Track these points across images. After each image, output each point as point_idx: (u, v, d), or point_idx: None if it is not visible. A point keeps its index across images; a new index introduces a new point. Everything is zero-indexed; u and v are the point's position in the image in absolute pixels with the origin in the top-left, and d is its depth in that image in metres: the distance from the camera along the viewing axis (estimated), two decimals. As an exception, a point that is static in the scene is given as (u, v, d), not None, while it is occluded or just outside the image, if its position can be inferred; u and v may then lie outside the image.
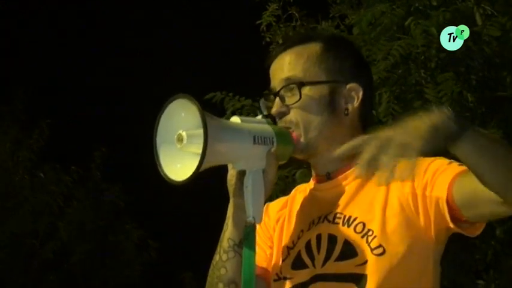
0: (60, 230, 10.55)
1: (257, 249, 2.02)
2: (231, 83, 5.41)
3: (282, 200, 2.17)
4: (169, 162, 1.91)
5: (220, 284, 2.00)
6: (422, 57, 4.92)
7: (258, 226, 2.01)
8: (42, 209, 10.45)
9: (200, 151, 1.83)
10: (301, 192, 2.12)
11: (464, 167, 1.87)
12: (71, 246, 10.70)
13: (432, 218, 1.92)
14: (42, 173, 10.58)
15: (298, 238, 2.04)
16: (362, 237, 1.94)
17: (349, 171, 2.04)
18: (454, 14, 4.89)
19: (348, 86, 2.05)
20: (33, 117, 10.70)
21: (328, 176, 2.06)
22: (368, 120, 2.11)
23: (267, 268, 2.07)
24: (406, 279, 1.94)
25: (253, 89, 5.50)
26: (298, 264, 2.01)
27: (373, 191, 1.98)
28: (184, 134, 1.89)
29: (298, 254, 2.02)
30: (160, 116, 1.93)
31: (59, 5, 13.00)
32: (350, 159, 1.97)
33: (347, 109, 2.05)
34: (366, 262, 1.93)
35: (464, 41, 4.74)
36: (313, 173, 2.12)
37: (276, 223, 2.12)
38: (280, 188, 4.78)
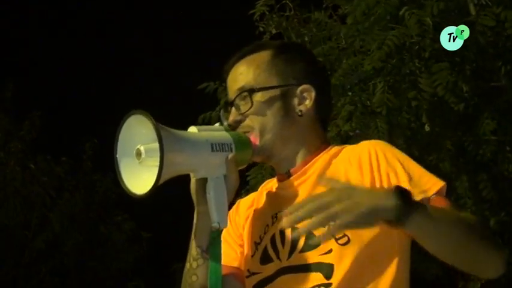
0: (52, 221, 10.51)
1: (227, 249, 2.11)
2: (224, 73, 5.38)
3: (250, 196, 2.24)
4: (131, 176, 1.97)
5: None
6: (417, 47, 4.92)
7: (228, 225, 2.06)
8: (33, 200, 10.42)
9: (155, 164, 1.88)
10: (267, 189, 2.19)
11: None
12: (62, 237, 10.66)
13: None
14: (33, 164, 10.53)
15: (265, 233, 2.09)
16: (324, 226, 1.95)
17: (307, 166, 2.10)
18: (447, 4, 4.88)
19: (300, 88, 2.12)
20: (24, 109, 10.65)
21: (289, 174, 2.12)
22: (326, 118, 2.19)
23: (238, 267, 2.12)
24: (373, 267, 1.96)
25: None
26: (265, 258, 2.06)
27: (332, 178, 1.98)
28: (142, 148, 1.94)
29: (265, 249, 2.07)
30: (118, 132, 1.99)
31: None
32: (307, 156, 2.11)
33: (301, 110, 2.11)
34: (330, 251, 1.96)
35: (459, 31, 4.74)
36: (276, 171, 2.17)
37: (245, 221, 2.17)
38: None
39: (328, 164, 2.09)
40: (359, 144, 2.13)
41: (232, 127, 2.10)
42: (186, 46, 12.21)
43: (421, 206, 1.81)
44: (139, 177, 1.95)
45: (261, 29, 5.70)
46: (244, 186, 5.13)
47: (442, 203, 1.94)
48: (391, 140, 4.95)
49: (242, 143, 2.07)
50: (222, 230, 2.03)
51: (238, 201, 2.22)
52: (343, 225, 1.77)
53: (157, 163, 1.88)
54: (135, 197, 1.95)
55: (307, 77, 2.14)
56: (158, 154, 1.87)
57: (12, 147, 10.50)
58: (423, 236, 1.86)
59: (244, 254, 2.13)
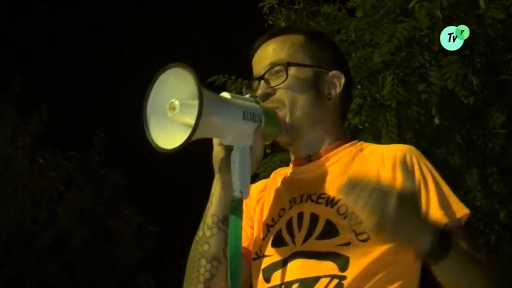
0: (60, 216, 10.52)
1: None
2: (233, 66, 5.39)
3: (262, 182, 2.20)
4: (159, 131, 1.91)
5: (203, 260, 2.00)
6: (427, 40, 4.90)
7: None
8: (41, 194, 10.43)
9: (192, 121, 1.83)
10: (281, 175, 2.15)
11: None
12: (70, 232, 10.68)
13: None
14: (41, 158, 10.55)
15: (279, 216, 2.06)
16: (344, 218, 1.95)
17: (331, 153, 2.08)
18: (458, -3, 4.88)
19: (331, 73, 2.12)
20: (33, 103, 10.67)
21: (309, 159, 2.10)
22: (347, 110, 2.21)
23: (248, 248, 2.07)
24: (386, 273, 1.94)
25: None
26: (278, 241, 2.03)
27: (359, 174, 1.99)
28: (177, 102, 1.88)
29: (279, 232, 2.03)
30: (153, 83, 1.93)
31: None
32: (330, 144, 2.09)
33: (330, 94, 2.10)
34: (348, 244, 1.94)
35: (468, 24, 4.73)
36: (292, 157, 2.15)
37: (257, 203, 2.14)
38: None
39: (353, 157, 2.08)
40: (393, 146, 2.13)
41: (261, 100, 2.06)
42: (195, 40, 12.21)
43: (453, 252, 1.84)
44: (168, 133, 1.90)
45: (270, 22, 5.70)
46: (254, 179, 5.12)
47: (463, 235, 1.95)
48: (400, 133, 4.95)
49: (271, 117, 2.03)
50: (243, 200, 1.98)
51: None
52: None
53: (191, 120, 1.83)
54: (162, 151, 1.89)
55: (336, 64, 2.14)
56: (193, 111, 1.82)
57: (20, 142, 10.52)
58: (443, 276, 1.89)
59: (254, 236, 2.09)
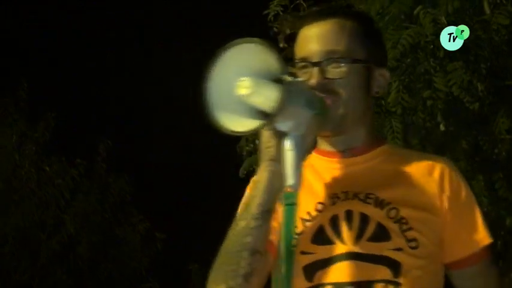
0: (67, 223, 10.54)
1: None
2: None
3: None
4: (223, 110, 1.76)
5: (245, 253, 1.83)
6: (432, 46, 4.89)
7: None
8: (48, 201, 10.45)
9: (263, 104, 1.72)
10: (306, 166, 1.96)
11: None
12: (77, 238, 10.69)
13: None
14: (48, 166, 10.57)
15: (318, 211, 1.96)
16: (395, 222, 1.92)
17: (370, 152, 2.03)
18: (462, 3, 4.87)
19: (380, 71, 2.05)
20: (38, 110, 10.69)
21: (346, 153, 2.02)
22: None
23: (272, 241, 1.94)
24: (431, 278, 1.96)
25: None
26: (320, 238, 1.94)
27: (407, 179, 1.98)
28: (249, 82, 1.75)
29: (321, 229, 1.94)
30: (222, 55, 1.79)
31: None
32: (369, 141, 2.03)
33: (377, 92, 2.05)
34: (399, 249, 1.90)
35: (473, 29, 4.72)
36: (324, 148, 2.06)
37: None
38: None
39: (394, 159, 2.05)
40: (437, 158, 2.09)
41: (314, 88, 1.96)
42: (199, 47, 12.22)
43: (479, 264, 2.00)
44: (233, 112, 1.75)
45: (275, 29, 5.70)
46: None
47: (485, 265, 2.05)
48: (406, 140, 4.95)
49: (324, 107, 1.92)
50: (297, 192, 1.83)
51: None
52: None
53: (261, 101, 1.71)
54: (232, 133, 1.75)
55: (384, 62, 2.09)
56: (266, 93, 1.71)
57: (27, 149, 10.54)
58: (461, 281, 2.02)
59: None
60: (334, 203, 1.95)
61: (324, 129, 1.98)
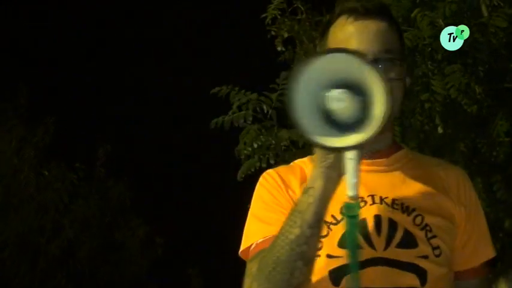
0: (66, 228, 10.54)
1: (281, 217, 1.85)
2: (236, 77, 5.40)
3: (291, 167, 2.03)
4: (312, 124, 1.67)
5: (299, 262, 1.75)
6: (429, 49, 4.90)
7: (281, 196, 1.92)
8: (47, 206, 10.45)
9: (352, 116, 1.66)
10: None
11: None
12: (77, 243, 10.70)
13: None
14: (47, 170, 10.58)
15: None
16: (421, 229, 1.92)
17: (393, 156, 2.02)
18: (460, 6, 4.87)
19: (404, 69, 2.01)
20: (38, 115, 10.71)
21: (370, 155, 1.97)
22: None
23: None
24: (451, 286, 1.98)
25: (259, 83, 5.49)
26: None
27: (429, 186, 1.98)
28: (344, 94, 1.66)
29: None
30: (308, 64, 1.67)
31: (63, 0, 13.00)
32: (391, 144, 2.02)
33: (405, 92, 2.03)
34: (426, 257, 1.90)
35: (471, 32, 4.72)
36: None
37: (294, 193, 1.96)
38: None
39: (415, 165, 2.03)
40: (453, 168, 2.09)
41: None
42: (198, 50, 12.23)
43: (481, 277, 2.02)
44: (317, 124, 1.67)
45: (273, 33, 5.71)
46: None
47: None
48: (404, 142, 4.95)
49: None
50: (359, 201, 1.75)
51: (272, 171, 2.02)
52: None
53: (350, 115, 1.65)
54: (326, 149, 1.68)
55: (406, 60, 2.02)
56: (357, 105, 1.64)
57: (26, 154, 10.55)
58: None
59: None
60: (360, 207, 1.85)
61: None
